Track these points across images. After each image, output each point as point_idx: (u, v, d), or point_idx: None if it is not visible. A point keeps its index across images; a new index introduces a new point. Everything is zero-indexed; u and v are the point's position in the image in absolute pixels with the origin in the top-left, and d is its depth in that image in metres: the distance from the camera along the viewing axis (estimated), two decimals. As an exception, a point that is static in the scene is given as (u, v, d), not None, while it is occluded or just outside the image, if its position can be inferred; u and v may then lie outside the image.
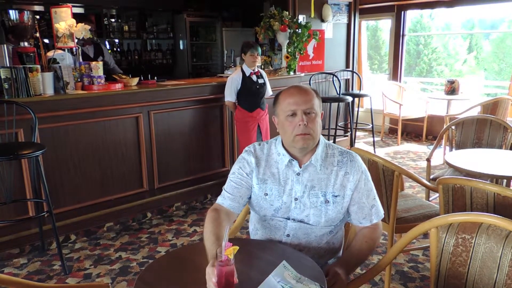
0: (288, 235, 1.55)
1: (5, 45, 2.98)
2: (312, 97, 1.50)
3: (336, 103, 5.12)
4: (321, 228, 1.53)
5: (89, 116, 3.26)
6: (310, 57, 5.30)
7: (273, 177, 1.54)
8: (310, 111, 1.48)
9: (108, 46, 6.37)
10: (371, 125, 5.46)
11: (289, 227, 1.54)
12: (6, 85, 2.82)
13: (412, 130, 6.57)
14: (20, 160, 2.94)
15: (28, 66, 2.94)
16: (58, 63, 3.18)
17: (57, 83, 3.12)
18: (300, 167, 1.52)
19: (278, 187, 1.53)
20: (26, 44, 3.32)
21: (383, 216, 1.59)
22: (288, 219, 1.54)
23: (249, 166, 1.56)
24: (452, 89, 5.68)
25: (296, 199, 1.51)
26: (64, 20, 3.28)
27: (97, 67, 3.31)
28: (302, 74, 4.95)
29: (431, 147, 4.24)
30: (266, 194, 1.54)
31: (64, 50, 3.38)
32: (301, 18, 4.98)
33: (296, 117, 1.47)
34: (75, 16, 3.32)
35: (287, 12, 4.69)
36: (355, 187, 1.52)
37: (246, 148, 1.62)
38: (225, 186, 1.59)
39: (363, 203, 1.54)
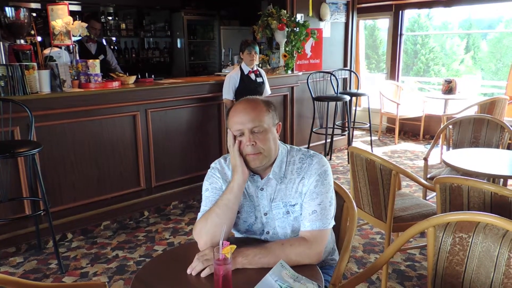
0: None
1: (1, 43, 2.95)
2: (259, 113, 1.41)
3: (334, 102, 5.12)
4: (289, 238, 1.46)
5: (86, 114, 3.24)
6: (308, 56, 5.29)
7: (243, 193, 1.47)
8: (258, 129, 1.40)
9: (105, 44, 6.34)
10: (368, 124, 5.46)
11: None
12: (2, 83, 2.81)
13: (410, 130, 6.59)
14: (16, 158, 2.93)
15: (24, 63, 2.92)
16: (54, 60, 3.16)
17: (53, 81, 3.10)
18: (262, 180, 1.47)
19: (250, 203, 1.49)
20: (22, 41, 3.29)
21: (322, 228, 1.39)
22: (262, 233, 1.50)
23: (218, 181, 1.51)
24: (449, 88, 5.70)
25: (265, 213, 1.48)
26: (61, 18, 3.26)
27: (94, 65, 3.29)
28: (300, 73, 4.95)
29: (429, 146, 4.24)
30: (237, 212, 1.47)
31: (60, 47, 3.37)
32: (299, 17, 4.97)
33: (244, 137, 1.40)
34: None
35: (285, 11, 4.68)
36: (308, 190, 1.43)
37: (212, 165, 1.56)
38: (202, 204, 1.51)
39: (305, 203, 1.42)
